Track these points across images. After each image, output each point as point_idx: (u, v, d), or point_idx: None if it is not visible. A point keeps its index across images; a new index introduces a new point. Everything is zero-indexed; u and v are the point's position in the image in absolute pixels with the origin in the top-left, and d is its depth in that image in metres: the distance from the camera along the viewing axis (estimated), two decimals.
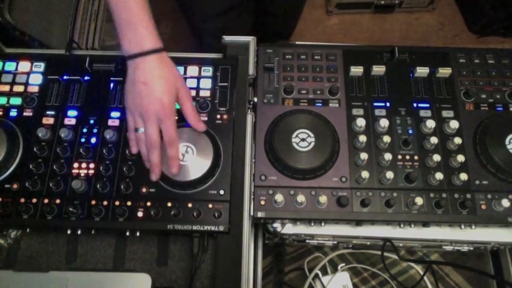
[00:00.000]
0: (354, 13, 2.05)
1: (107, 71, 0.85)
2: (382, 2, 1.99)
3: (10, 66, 0.86)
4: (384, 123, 0.79)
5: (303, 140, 0.78)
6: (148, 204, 0.75)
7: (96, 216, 0.74)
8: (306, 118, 0.80)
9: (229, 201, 0.76)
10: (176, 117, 0.74)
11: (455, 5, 2.07)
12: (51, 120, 0.81)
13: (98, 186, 0.75)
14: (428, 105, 0.83)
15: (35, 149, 0.78)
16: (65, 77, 0.84)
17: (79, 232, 0.76)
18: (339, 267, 0.95)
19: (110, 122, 0.81)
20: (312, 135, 0.78)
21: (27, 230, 0.78)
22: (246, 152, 0.79)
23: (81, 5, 1.41)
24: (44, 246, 0.83)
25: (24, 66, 0.86)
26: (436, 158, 0.76)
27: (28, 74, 0.85)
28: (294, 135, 0.78)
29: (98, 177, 0.77)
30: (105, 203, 0.75)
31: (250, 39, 0.89)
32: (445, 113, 0.82)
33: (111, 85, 0.84)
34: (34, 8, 1.18)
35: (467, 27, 2.01)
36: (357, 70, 0.85)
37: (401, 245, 0.87)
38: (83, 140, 0.79)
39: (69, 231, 0.76)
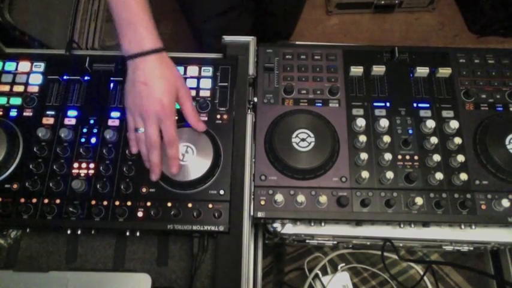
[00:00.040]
0: (354, 13, 2.05)
1: (107, 71, 0.85)
2: (382, 2, 1.99)
3: (10, 66, 0.86)
4: (384, 123, 0.79)
5: (303, 140, 0.78)
6: (148, 204, 0.75)
7: (96, 216, 0.74)
8: (306, 118, 0.80)
9: (229, 201, 0.76)
10: (176, 117, 0.74)
11: (455, 5, 2.07)
12: (51, 120, 0.81)
13: (98, 186, 0.75)
14: (428, 105, 0.83)
15: (35, 149, 0.78)
16: (65, 77, 0.84)
17: (79, 232, 0.76)
18: (339, 267, 0.95)
19: (110, 122, 0.81)
20: (312, 135, 0.78)
21: (27, 230, 0.78)
22: (246, 152, 0.79)
23: (81, 5, 1.41)
24: (44, 246, 0.83)
25: (24, 66, 0.86)
26: (436, 158, 0.76)
27: (28, 74, 0.85)
28: (294, 135, 0.78)
29: (98, 177, 0.77)
30: (105, 203, 0.75)
31: (250, 39, 0.89)
32: (445, 113, 0.82)
33: (111, 85, 0.84)
34: (34, 8, 1.18)
35: (467, 27, 2.01)
36: (357, 70, 0.85)
37: (401, 245, 0.87)
38: (83, 140, 0.79)
39: (69, 231, 0.76)
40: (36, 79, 0.84)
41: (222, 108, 0.82)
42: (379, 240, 0.83)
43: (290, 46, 0.89)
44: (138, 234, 0.75)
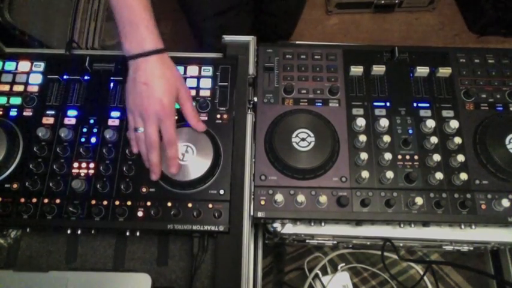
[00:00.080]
0: (354, 13, 2.05)
1: (107, 71, 0.85)
2: (382, 2, 1.99)
3: (10, 66, 0.86)
4: (384, 123, 0.79)
5: (303, 139, 0.77)
6: (148, 204, 0.75)
7: (96, 216, 0.74)
8: (306, 118, 0.80)
9: (229, 201, 0.76)
10: (176, 117, 0.74)
11: (455, 5, 2.07)
12: (51, 120, 0.81)
13: (98, 186, 0.75)
14: (428, 105, 0.83)
15: (35, 149, 0.78)
16: (65, 77, 0.84)
17: (79, 232, 0.76)
18: (339, 267, 0.95)
19: (110, 122, 0.81)
20: (312, 135, 0.78)
21: (27, 230, 0.78)
22: (246, 152, 0.79)
23: (81, 5, 1.41)
24: (44, 246, 0.83)
25: (24, 66, 0.86)
26: (436, 157, 0.76)
27: (28, 73, 0.85)
28: (294, 135, 0.78)
29: (98, 177, 0.77)
30: (105, 202, 0.75)
31: (250, 39, 0.89)
32: (445, 113, 0.82)
33: (111, 85, 0.84)
34: (34, 8, 1.19)
35: (467, 27, 2.02)
36: (357, 70, 0.85)
37: (401, 245, 0.87)
38: (83, 139, 0.79)
39: (69, 231, 0.76)
40: (36, 79, 0.84)
41: (222, 108, 0.82)
42: (379, 240, 0.83)
43: (290, 46, 0.89)
44: (138, 234, 0.75)
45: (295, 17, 1.44)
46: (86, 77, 0.85)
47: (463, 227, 0.76)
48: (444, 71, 0.84)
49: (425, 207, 0.75)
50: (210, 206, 0.75)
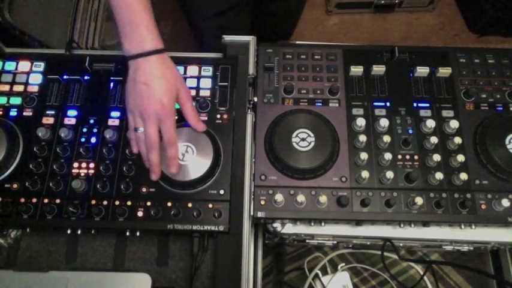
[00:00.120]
0: (354, 13, 2.05)
1: (107, 71, 0.85)
2: (382, 2, 1.99)
3: (10, 66, 0.86)
4: (384, 123, 0.79)
5: (303, 139, 0.77)
6: (148, 204, 0.75)
7: (96, 216, 0.74)
8: (306, 118, 0.80)
9: (229, 201, 0.76)
10: (176, 117, 0.74)
11: (455, 5, 2.07)
12: (51, 120, 0.81)
13: (98, 186, 0.75)
14: (428, 105, 0.83)
15: (35, 149, 0.78)
16: (65, 77, 0.84)
17: (79, 232, 0.76)
18: (339, 267, 0.95)
19: (110, 122, 0.81)
20: (312, 135, 0.78)
21: (27, 230, 0.78)
22: (246, 152, 0.79)
23: (81, 5, 1.41)
24: (44, 246, 0.83)
25: (24, 66, 0.86)
26: (436, 157, 0.76)
27: (28, 73, 0.85)
28: (294, 135, 0.78)
29: (98, 177, 0.77)
30: (105, 202, 0.75)
31: (250, 39, 0.89)
32: (445, 113, 0.82)
33: (111, 85, 0.84)
34: (34, 8, 1.19)
35: (467, 27, 2.02)
36: (357, 70, 0.85)
37: (401, 245, 0.87)
38: (83, 139, 0.79)
39: (69, 231, 0.76)
40: (36, 79, 0.84)
41: (222, 108, 0.82)
42: (379, 240, 0.83)
43: (290, 46, 0.89)
44: (138, 234, 0.75)
45: (295, 17, 1.44)
46: (86, 77, 0.85)
47: (463, 227, 0.76)
48: (444, 71, 0.84)
49: (425, 207, 0.75)
50: (210, 206, 0.75)
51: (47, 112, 0.82)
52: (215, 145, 0.78)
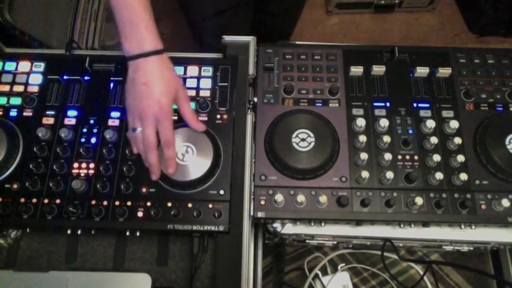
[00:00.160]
0: (354, 13, 2.05)
1: (107, 71, 0.85)
2: (382, 2, 1.99)
3: (10, 66, 0.86)
4: (384, 123, 0.79)
5: (303, 140, 0.77)
6: (148, 204, 0.75)
7: (96, 216, 0.74)
8: (306, 118, 0.80)
9: (229, 201, 0.76)
10: (176, 118, 0.74)
11: (455, 5, 2.07)
12: (51, 120, 0.81)
13: (98, 186, 0.75)
14: (428, 105, 0.83)
15: (35, 149, 0.78)
16: (65, 77, 0.84)
17: (79, 232, 0.76)
18: (339, 267, 0.95)
19: (110, 122, 0.81)
20: (312, 135, 0.78)
21: (27, 230, 0.78)
22: (246, 152, 0.79)
23: (81, 5, 1.41)
24: (44, 246, 0.83)
25: (24, 66, 0.86)
26: (436, 158, 0.76)
27: (28, 74, 0.85)
28: (294, 135, 0.78)
29: (98, 177, 0.77)
30: (105, 203, 0.75)
31: (250, 39, 0.89)
32: (445, 113, 0.82)
33: (111, 85, 0.84)
34: (34, 8, 1.18)
35: (467, 27, 2.02)
36: (357, 70, 0.85)
37: (401, 245, 0.87)
38: (83, 140, 0.79)
39: (69, 231, 0.76)
40: (36, 79, 0.84)
41: (222, 108, 0.82)
42: (379, 240, 0.83)
43: (290, 46, 0.89)
44: (138, 234, 0.75)
45: (294, 16, 1.44)
46: (86, 77, 0.85)
47: (463, 227, 0.76)
48: (444, 71, 0.84)
49: (425, 207, 0.75)
50: (210, 206, 0.75)
51: (47, 112, 0.82)
52: (215, 145, 0.78)
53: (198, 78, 0.85)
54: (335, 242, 0.88)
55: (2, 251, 0.82)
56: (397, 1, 1.98)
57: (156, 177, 0.74)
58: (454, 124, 0.79)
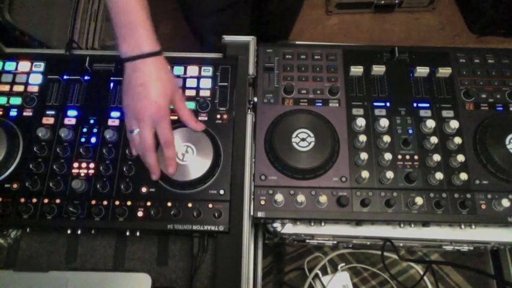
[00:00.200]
0: (354, 13, 2.05)
1: (107, 71, 0.85)
2: (382, 2, 1.98)
3: (10, 66, 0.86)
4: (384, 123, 0.79)
5: (303, 139, 0.77)
6: (148, 204, 0.75)
7: (96, 216, 0.74)
8: (306, 118, 0.80)
9: (229, 201, 0.76)
10: (176, 117, 0.74)
11: (455, 5, 2.07)
12: (51, 120, 0.81)
13: (98, 186, 0.75)
14: (428, 105, 0.83)
15: (35, 149, 0.78)
16: (65, 77, 0.85)
17: (79, 232, 0.76)
18: (339, 267, 0.95)
19: (110, 122, 0.81)
20: (312, 135, 0.78)
21: (27, 230, 0.78)
22: (246, 152, 0.79)
23: (81, 5, 1.41)
24: (44, 246, 0.83)
25: (24, 66, 0.86)
26: (436, 157, 0.76)
27: (28, 73, 0.85)
28: (294, 135, 0.78)
29: (98, 177, 0.77)
30: (105, 202, 0.75)
31: (250, 39, 0.89)
32: (445, 113, 0.82)
33: (111, 85, 0.84)
34: (34, 8, 1.18)
35: (467, 27, 2.01)
36: (357, 70, 0.85)
37: (401, 245, 0.87)
38: (83, 139, 0.80)
39: (69, 231, 0.76)
40: (36, 79, 0.84)
41: (222, 108, 0.82)
42: (379, 240, 0.83)
43: (290, 46, 0.89)
44: (138, 234, 0.75)
45: (293, 16, 1.44)
46: (86, 77, 0.85)
47: (463, 227, 0.76)
48: (444, 71, 0.84)
49: (425, 207, 0.75)
50: (210, 206, 0.75)
51: (47, 112, 0.82)
52: (215, 145, 0.78)
53: (198, 78, 0.85)
54: (335, 242, 0.88)
55: (2, 251, 0.83)
56: (397, 1, 1.98)
57: (156, 177, 0.74)
58: (454, 124, 0.79)
